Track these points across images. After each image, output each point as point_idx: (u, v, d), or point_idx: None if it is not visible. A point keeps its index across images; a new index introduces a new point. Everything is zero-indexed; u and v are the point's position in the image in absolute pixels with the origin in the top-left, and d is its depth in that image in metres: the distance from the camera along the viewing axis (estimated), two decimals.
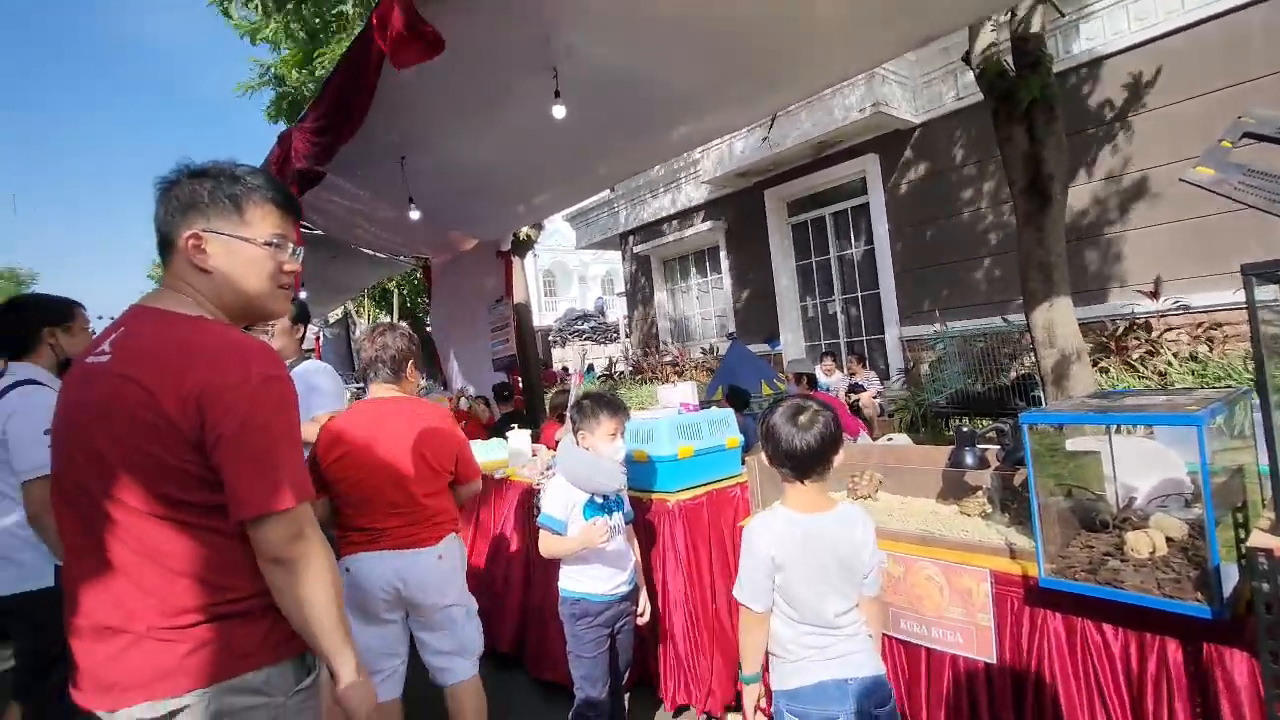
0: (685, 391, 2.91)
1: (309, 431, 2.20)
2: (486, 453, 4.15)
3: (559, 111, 3.85)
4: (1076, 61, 6.64)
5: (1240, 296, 4.59)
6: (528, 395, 7.75)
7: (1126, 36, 6.36)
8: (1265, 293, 1.19)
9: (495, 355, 7.44)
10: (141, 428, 1.00)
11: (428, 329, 16.28)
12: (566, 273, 30.46)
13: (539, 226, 9.03)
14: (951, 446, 2.21)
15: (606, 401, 2.18)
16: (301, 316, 2.75)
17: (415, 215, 5.25)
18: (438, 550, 2.06)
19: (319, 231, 6.31)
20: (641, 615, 2.23)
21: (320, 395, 2.48)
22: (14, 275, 29.70)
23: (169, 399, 1.00)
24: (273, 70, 7.60)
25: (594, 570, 2.11)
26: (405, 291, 17.34)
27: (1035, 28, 2.81)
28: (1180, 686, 1.30)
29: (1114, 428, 1.84)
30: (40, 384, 2.07)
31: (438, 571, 2.06)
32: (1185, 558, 1.34)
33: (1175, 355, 5.64)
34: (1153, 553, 1.36)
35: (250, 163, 1.22)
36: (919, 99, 8.09)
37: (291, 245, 1.19)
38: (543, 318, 24.50)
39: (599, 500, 2.13)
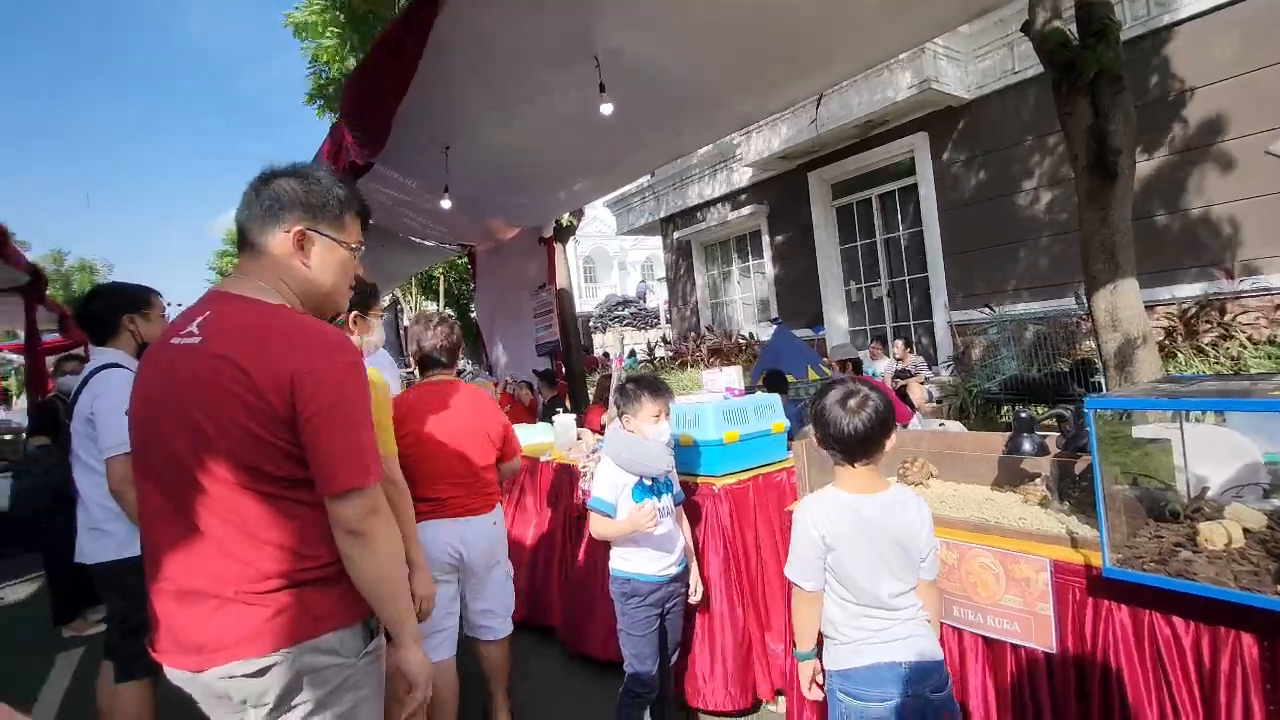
0: (731, 376, 2.90)
1: None
2: (533, 436, 4.23)
3: (607, 109, 3.85)
4: (1146, 29, 6.26)
5: None
6: (570, 381, 7.84)
7: (1200, 1, 5.96)
8: None
9: (539, 340, 7.54)
10: (238, 404, 1.08)
11: (472, 315, 16.59)
12: (607, 259, 30.53)
13: (580, 213, 9.06)
14: (1006, 433, 2.15)
15: (649, 384, 2.22)
16: (365, 304, 2.83)
17: (446, 205, 5.33)
18: (492, 517, 2.30)
19: (370, 221, 6.50)
20: (694, 595, 2.26)
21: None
22: (91, 266, 31.40)
23: (265, 378, 1.08)
24: (316, 58, 7.76)
25: (643, 552, 2.15)
26: (451, 279, 17.71)
27: None
28: (1256, 683, 1.25)
29: (1185, 415, 1.76)
30: (122, 367, 2.20)
31: (493, 536, 2.30)
32: (1264, 550, 1.28)
33: (1250, 339, 5.31)
34: (1228, 544, 1.30)
35: (297, 155, 1.32)
36: (971, 74, 7.77)
37: (360, 250, 1.34)
38: (584, 304, 24.66)
39: (647, 483, 2.15)
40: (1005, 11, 6.82)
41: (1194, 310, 5.64)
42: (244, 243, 1.23)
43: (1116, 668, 1.45)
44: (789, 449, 2.80)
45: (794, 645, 1.64)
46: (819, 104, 8.17)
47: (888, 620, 1.45)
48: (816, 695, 1.59)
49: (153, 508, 1.15)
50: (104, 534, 2.18)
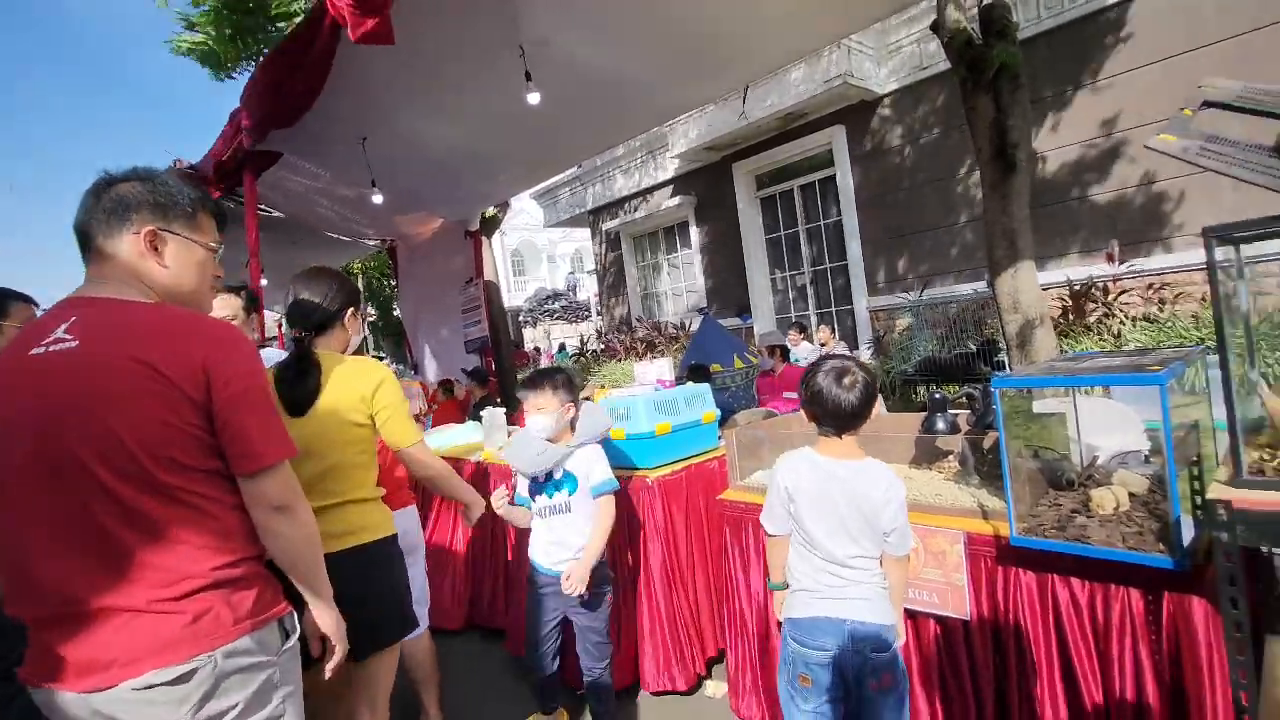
0: (662, 368, 2.91)
1: None
2: (462, 436, 4.12)
3: (533, 98, 3.77)
4: (1041, 29, 6.71)
5: (1189, 258, 4.77)
6: (501, 377, 7.69)
7: (1092, 3, 6.43)
8: (1224, 254, 1.23)
9: (468, 337, 7.34)
10: (148, 396, 1.08)
11: (395, 313, 16.00)
12: (535, 252, 30.10)
13: (505, 205, 8.88)
14: (922, 413, 2.26)
15: (530, 377, 2.23)
16: (253, 304, 2.66)
17: (378, 199, 5.11)
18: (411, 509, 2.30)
19: (279, 214, 6.12)
20: (567, 586, 2.04)
21: None
22: None
23: (175, 368, 1.09)
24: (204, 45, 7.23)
25: (537, 540, 2.21)
26: (373, 276, 16.95)
27: None
28: (1143, 634, 1.36)
29: (1078, 389, 1.90)
30: None
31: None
32: (1147, 511, 1.40)
33: (1129, 317, 5.83)
34: (1116, 508, 1.41)
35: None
36: (884, 69, 8.11)
37: (219, 251, 1.33)
38: (512, 298, 24.23)
39: (540, 478, 2.15)
40: (914, 10, 7.15)
41: (1082, 291, 6.13)
42: (89, 250, 1.18)
43: (1024, 629, 1.55)
44: (719, 438, 2.84)
45: (767, 577, 1.79)
46: (745, 96, 8.31)
47: (843, 580, 1.52)
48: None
49: (40, 530, 1.07)
50: None
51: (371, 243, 7.94)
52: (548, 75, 3.77)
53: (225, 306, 2.53)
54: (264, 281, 5.09)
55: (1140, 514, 1.39)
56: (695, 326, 9.42)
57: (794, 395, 4.69)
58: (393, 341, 18.15)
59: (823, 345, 8.07)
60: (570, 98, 4.28)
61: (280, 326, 10.36)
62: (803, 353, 7.71)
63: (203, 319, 1.22)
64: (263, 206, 5.68)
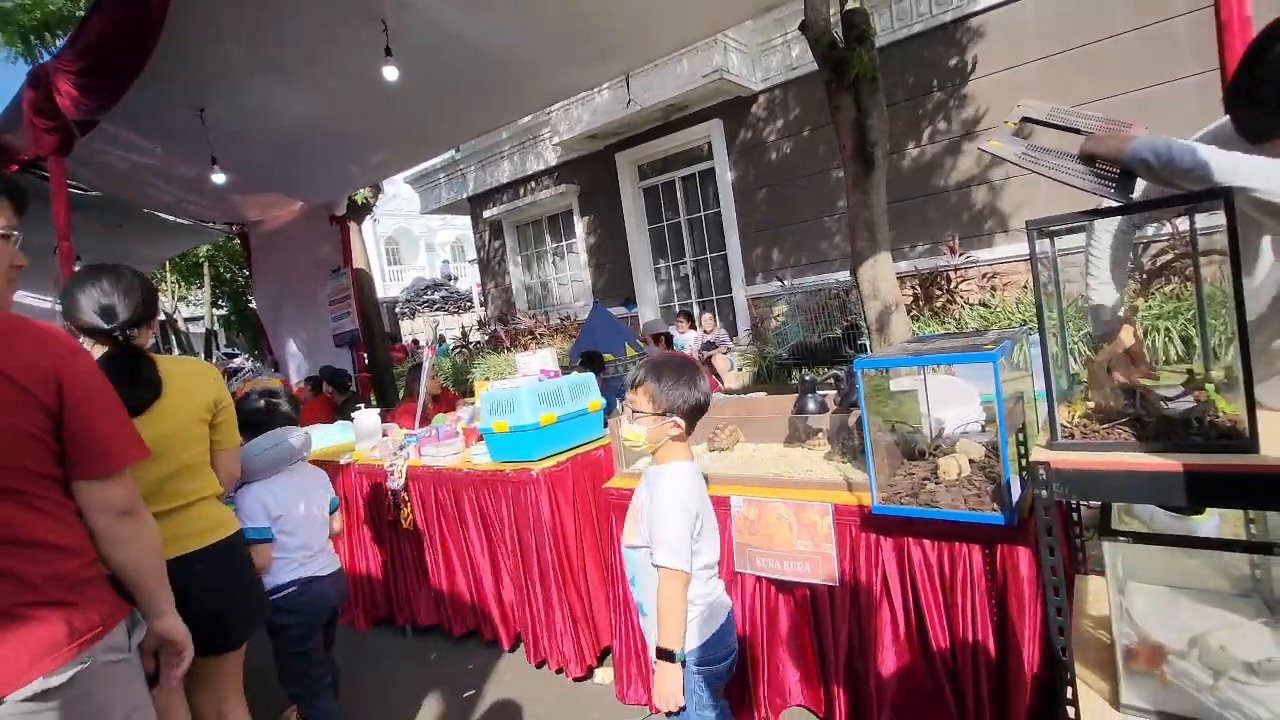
0: (545, 358, 2.85)
1: None
2: (331, 437, 3.82)
3: (390, 73, 3.53)
4: (894, 38, 7.28)
5: (1013, 251, 5.38)
6: (375, 372, 7.23)
7: (936, 19, 7.06)
8: (1044, 245, 1.39)
9: (336, 331, 6.81)
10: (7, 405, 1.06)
11: (249, 305, 14.55)
12: (412, 240, 28.55)
13: (377, 189, 8.32)
14: (792, 395, 2.39)
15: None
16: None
17: (220, 179, 4.58)
18: None
19: (96, 193, 5.33)
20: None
21: None
22: None
23: (27, 376, 1.08)
24: None
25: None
26: (221, 263, 15.27)
27: (860, 3, 3.03)
28: (980, 585, 1.53)
29: (927, 368, 2.09)
30: None
31: None
32: (984, 476, 1.56)
33: (968, 302, 6.54)
34: (959, 474, 1.57)
35: None
36: (757, 68, 8.45)
37: (16, 236, 1.21)
38: (388, 288, 22.86)
39: None
40: (784, 11, 7.49)
41: (929, 280, 6.79)
42: None
43: (883, 589, 1.69)
44: (605, 426, 2.85)
45: (662, 653, 1.39)
46: (629, 84, 8.34)
47: (717, 582, 1.54)
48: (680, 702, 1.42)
49: None
50: None
51: (217, 227, 7.14)
52: (421, 51, 3.55)
53: None
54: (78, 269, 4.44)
55: (979, 478, 1.55)
56: (583, 316, 9.40)
57: None
58: (247, 336, 16.51)
59: (706, 333, 8.34)
60: (446, 76, 4.07)
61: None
62: (688, 340, 7.93)
63: (38, 325, 1.16)
64: (76, 184, 4.92)
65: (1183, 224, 4.97)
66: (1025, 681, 1.47)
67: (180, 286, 16.72)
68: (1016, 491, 1.45)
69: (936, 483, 1.56)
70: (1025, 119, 1.41)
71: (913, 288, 6.79)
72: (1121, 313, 1.44)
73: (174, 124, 4.25)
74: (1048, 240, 1.46)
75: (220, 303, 16.95)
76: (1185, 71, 5.80)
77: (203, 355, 15.92)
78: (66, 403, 1.12)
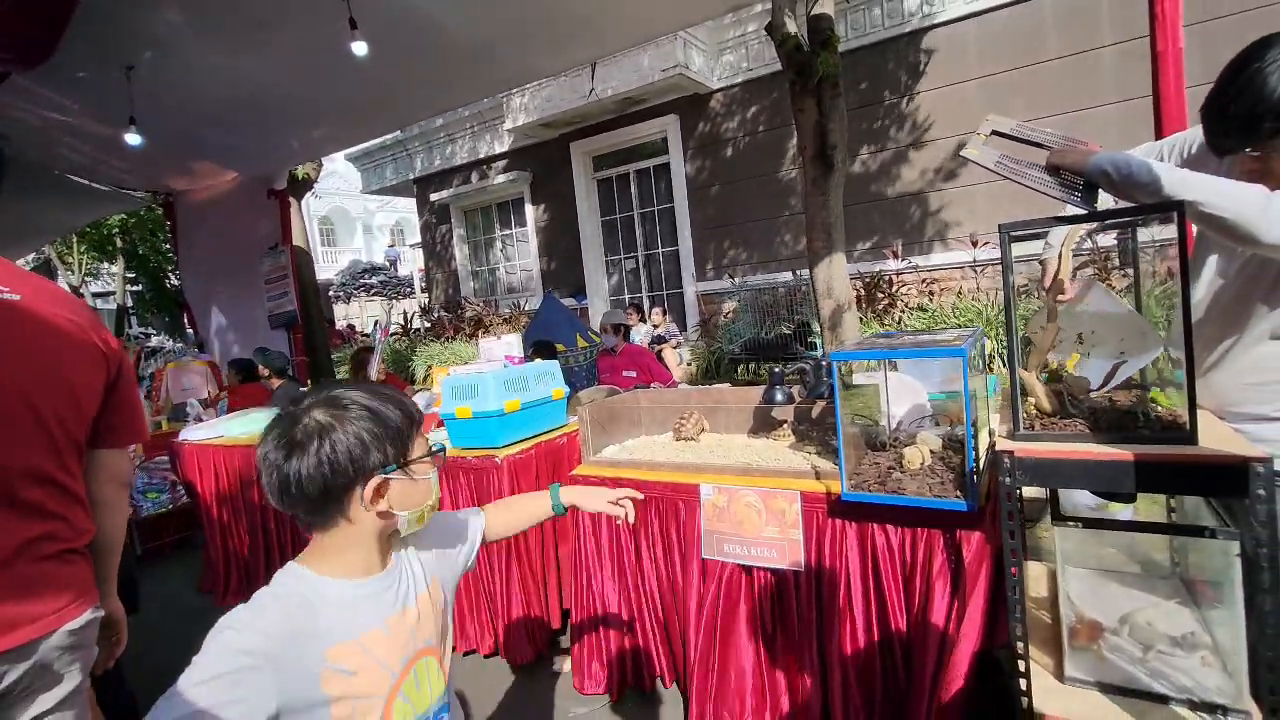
0: (510, 344, 2.82)
1: None
2: (260, 423, 3.64)
3: (360, 49, 3.38)
4: (850, 45, 7.50)
5: (951, 258, 5.65)
6: (311, 355, 6.92)
7: (891, 30, 7.32)
8: (989, 252, 1.47)
9: (272, 311, 6.48)
10: (95, 361, 1.21)
11: (169, 282, 13.64)
12: (348, 221, 27.41)
13: (319, 165, 7.95)
14: (757, 387, 2.45)
15: None
16: None
17: (134, 140, 4.27)
18: None
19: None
20: None
21: None
22: None
23: (108, 345, 1.23)
24: None
25: None
26: (135, 236, 14.22)
27: (827, 9, 3.12)
28: (940, 567, 1.62)
29: (886, 363, 2.19)
30: None
31: None
32: (944, 465, 1.65)
33: (908, 305, 6.85)
34: (922, 463, 1.66)
35: None
36: (717, 66, 8.55)
37: None
38: (322, 270, 21.86)
39: None
40: (745, 12, 7.60)
41: (873, 283, 7.07)
42: None
43: (847, 574, 1.76)
44: (569, 414, 2.84)
45: None
46: (594, 73, 8.26)
47: None
48: None
49: None
50: None
51: (138, 195, 6.66)
52: (380, 24, 3.42)
53: None
54: None
55: (940, 467, 1.64)
56: (531, 306, 9.28)
57: (632, 374, 4.83)
58: (164, 314, 15.46)
59: (655, 327, 8.40)
60: (404, 53, 3.93)
61: None
62: (638, 334, 7.96)
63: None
64: None
65: (1103, 239, 5.37)
66: (968, 654, 1.57)
67: (89, 259, 15.47)
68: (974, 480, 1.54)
69: (902, 471, 1.64)
70: (995, 132, 1.50)
71: (856, 289, 7.05)
72: (1043, 325, 1.54)
73: (99, 82, 3.95)
74: (1008, 244, 1.55)
75: (134, 278, 15.80)
76: (1110, 98, 6.24)
77: (115, 333, 14.81)
78: (119, 373, 1.24)
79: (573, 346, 6.04)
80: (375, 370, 3.56)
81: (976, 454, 1.62)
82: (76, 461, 1.18)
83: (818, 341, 5.88)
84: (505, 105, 9.78)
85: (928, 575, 1.65)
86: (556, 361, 2.86)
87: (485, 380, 2.46)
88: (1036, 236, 1.43)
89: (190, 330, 7.73)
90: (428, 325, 11.60)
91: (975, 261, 6.78)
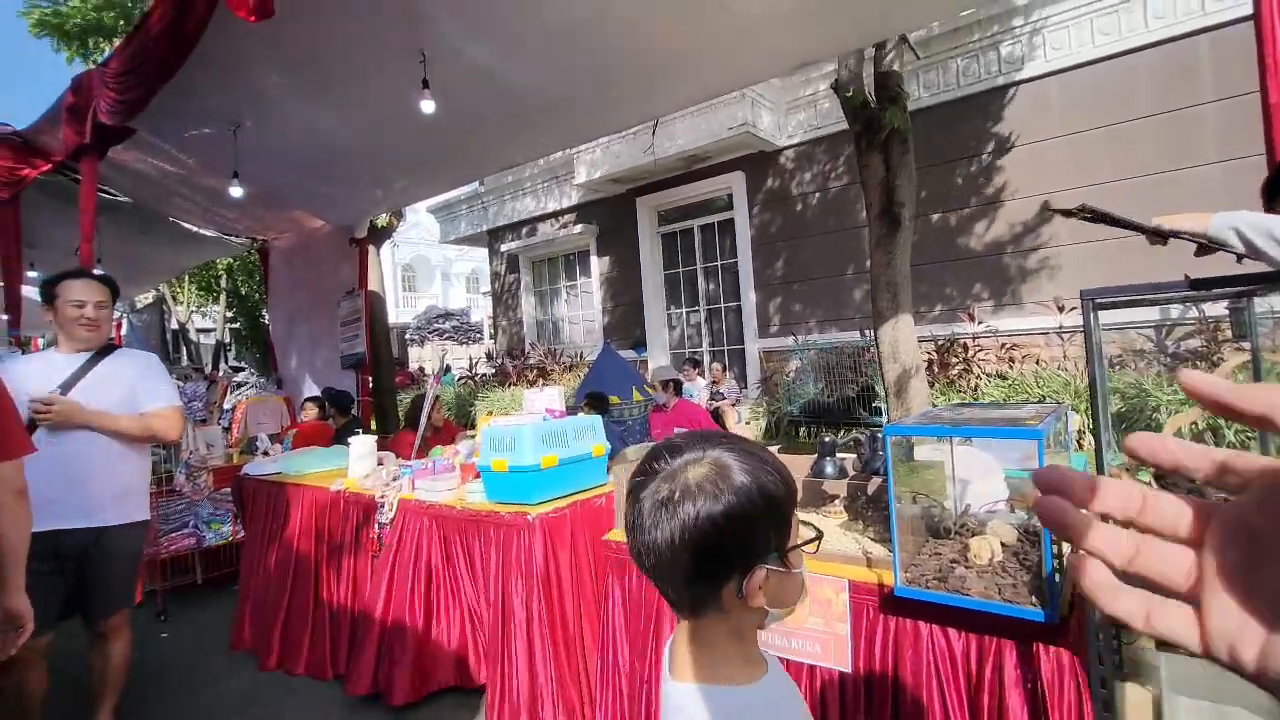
0: (551, 397, 2.76)
1: (147, 424, 2.37)
2: (324, 461, 3.72)
3: (428, 107, 3.57)
4: (921, 104, 7.39)
5: (1032, 322, 5.27)
6: (378, 397, 7.15)
7: (970, 88, 7.17)
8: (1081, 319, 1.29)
9: (344, 353, 6.76)
10: None
11: (264, 321, 14.64)
12: (429, 268, 28.91)
13: (399, 215, 8.42)
14: (807, 454, 2.27)
15: None
16: (116, 296, 2.39)
17: (237, 193, 4.61)
18: None
19: (125, 199, 5.39)
20: None
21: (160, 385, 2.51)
22: None
23: None
24: None
25: None
26: (238, 277, 15.46)
27: (896, 66, 3.04)
28: (1013, 685, 1.38)
29: (953, 440, 1.98)
30: None
31: None
32: (1018, 562, 1.43)
33: (985, 373, 6.42)
34: (991, 559, 1.44)
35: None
36: (783, 124, 8.59)
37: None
38: (400, 314, 23.02)
39: None
40: (811, 73, 7.66)
41: (946, 347, 6.70)
42: None
43: (901, 680, 1.54)
44: (609, 473, 2.72)
45: None
46: (654, 132, 8.47)
47: None
48: None
49: None
50: None
51: (240, 241, 7.20)
52: (453, 84, 3.59)
53: (98, 293, 2.27)
54: (98, 271, 4.45)
55: (1013, 565, 1.42)
56: (592, 356, 9.33)
57: (685, 431, 4.69)
58: (257, 352, 16.55)
59: (714, 383, 8.24)
60: (475, 110, 4.11)
61: (120, 325, 9.12)
62: (697, 389, 7.82)
63: None
64: (105, 189, 4.98)
65: (1210, 309, 4.88)
66: None
67: (198, 298, 16.89)
68: (1055, 585, 1.31)
69: (966, 567, 1.43)
70: (1084, 207, 1.36)
71: (928, 353, 6.69)
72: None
73: (208, 138, 4.31)
74: (1092, 314, 1.36)
75: (234, 317, 17.09)
76: (1211, 157, 5.80)
77: (210, 366, 15.95)
78: None
79: (628, 399, 5.96)
80: (425, 416, 3.58)
81: (1057, 554, 1.40)
82: None
83: (882, 406, 5.56)
84: (575, 160, 10.15)
85: (999, 694, 1.41)
86: (598, 416, 2.78)
87: (523, 433, 2.39)
88: (1126, 305, 1.25)
89: (272, 367, 8.17)
90: (491, 371, 11.87)
91: (1061, 328, 6.31)
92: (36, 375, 2.25)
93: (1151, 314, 5.69)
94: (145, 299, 13.12)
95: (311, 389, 7.01)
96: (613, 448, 2.93)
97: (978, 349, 6.68)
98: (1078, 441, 4.61)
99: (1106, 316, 1.39)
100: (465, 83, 3.70)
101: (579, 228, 10.89)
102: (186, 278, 15.09)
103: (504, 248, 12.25)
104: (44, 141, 4.07)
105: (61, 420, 2.17)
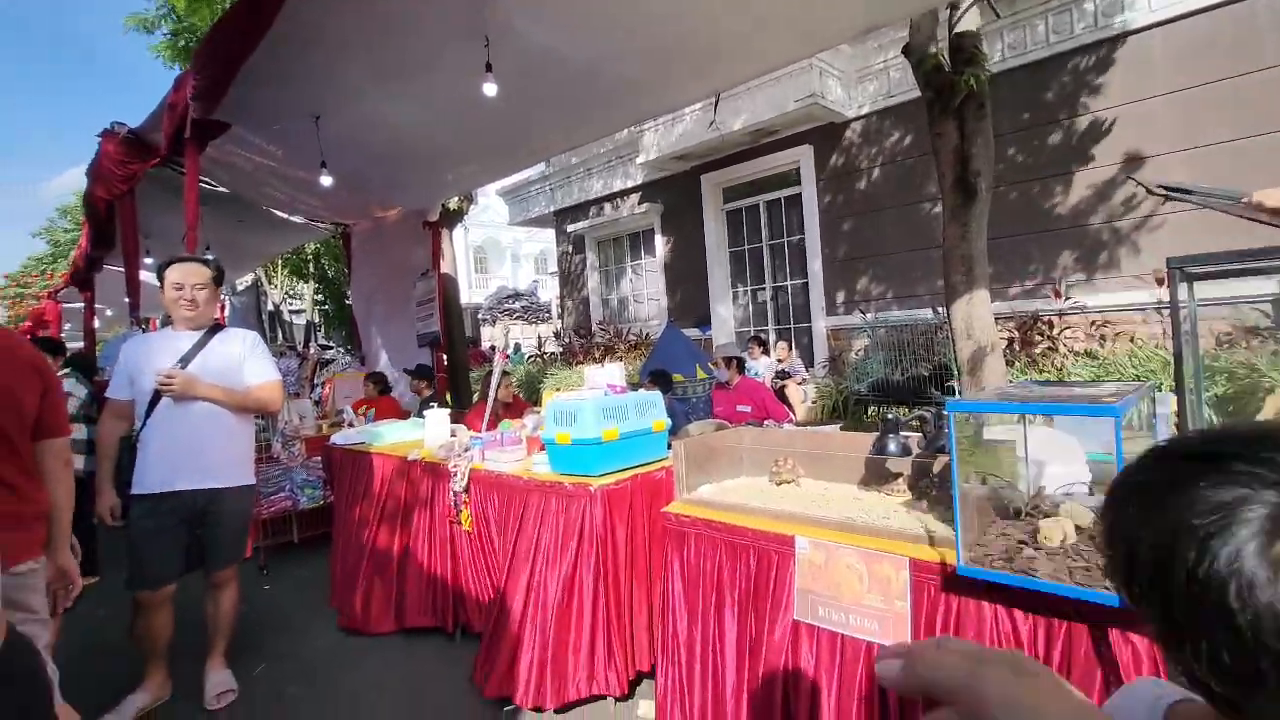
0: (613, 373, 2.82)
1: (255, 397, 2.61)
2: (402, 432, 3.94)
3: (490, 89, 3.65)
4: (1005, 66, 6.92)
5: (1127, 297, 4.91)
6: (452, 374, 7.46)
7: (1055, 47, 6.66)
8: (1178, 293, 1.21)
9: (420, 331, 7.10)
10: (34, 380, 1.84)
11: (348, 301, 15.50)
12: (499, 250, 29.67)
13: (470, 198, 8.67)
14: (872, 433, 2.23)
15: None
16: (220, 278, 2.61)
17: (327, 181, 4.88)
18: None
19: (223, 190, 5.80)
20: None
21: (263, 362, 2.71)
22: None
23: (39, 364, 1.87)
24: (170, 3, 6.95)
25: None
26: (325, 261, 16.37)
27: (972, 26, 2.86)
28: (1084, 673, 1.33)
29: (1027, 417, 1.89)
30: None
31: None
32: (1094, 545, 1.37)
33: (1072, 351, 6.03)
34: (1063, 541, 1.39)
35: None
36: (853, 94, 8.25)
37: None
38: (473, 295, 23.79)
39: None
40: (883, 38, 7.30)
41: (1029, 324, 6.32)
42: None
43: None
44: (669, 447, 2.77)
45: None
46: (716, 106, 8.32)
47: None
48: None
49: None
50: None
51: (325, 226, 7.63)
52: (515, 67, 3.65)
53: (196, 275, 2.46)
54: (209, 255, 4.85)
55: (1087, 548, 1.36)
56: (656, 335, 9.38)
57: (747, 409, 4.67)
58: (343, 331, 17.53)
59: (780, 361, 8.12)
60: (540, 91, 4.17)
61: (223, 307, 9.88)
62: (761, 367, 7.74)
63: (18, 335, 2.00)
64: (206, 180, 5.37)
65: None
66: None
67: (289, 281, 18.02)
68: None
69: (1036, 548, 1.38)
70: (1165, 186, 1.26)
71: (1009, 331, 6.34)
72: None
73: (293, 130, 4.57)
74: (1186, 286, 1.27)
75: (322, 298, 18.13)
76: None
77: (301, 345, 17.06)
78: (50, 384, 1.84)
79: (692, 377, 5.98)
80: (494, 391, 3.73)
81: None
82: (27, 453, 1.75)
83: (956, 386, 5.32)
84: (639, 140, 10.11)
85: (1067, 678, 1.36)
86: (659, 392, 2.81)
87: (584, 407, 2.46)
88: (1224, 275, 1.16)
89: (357, 345, 8.66)
90: (559, 350, 12.13)
91: (1161, 303, 5.83)
92: (159, 351, 2.50)
93: (1269, 286, 5.17)
94: (243, 283, 14.14)
95: (391, 366, 7.41)
96: (677, 425, 2.97)
97: (1064, 326, 6.27)
98: (1175, 426, 4.28)
99: (1212, 290, 1.30)
100: (528, 64, 3.76)
101: (644, 206, 10.88)
102: (279, 262, 16.11)
103: (570, 228, 12.41)
104: (153, 138, 4.43)
105: (182, 392, 2.41)
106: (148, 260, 6.05)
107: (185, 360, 2.46)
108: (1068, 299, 6.46)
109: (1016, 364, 5.99)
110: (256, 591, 3.97)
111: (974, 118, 2.89)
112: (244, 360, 2.57)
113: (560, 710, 2.39)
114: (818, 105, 7.84)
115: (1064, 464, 1.86)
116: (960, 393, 3.67)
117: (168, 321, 2.69)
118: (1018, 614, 1.43)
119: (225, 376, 2.51)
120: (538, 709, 2.38)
